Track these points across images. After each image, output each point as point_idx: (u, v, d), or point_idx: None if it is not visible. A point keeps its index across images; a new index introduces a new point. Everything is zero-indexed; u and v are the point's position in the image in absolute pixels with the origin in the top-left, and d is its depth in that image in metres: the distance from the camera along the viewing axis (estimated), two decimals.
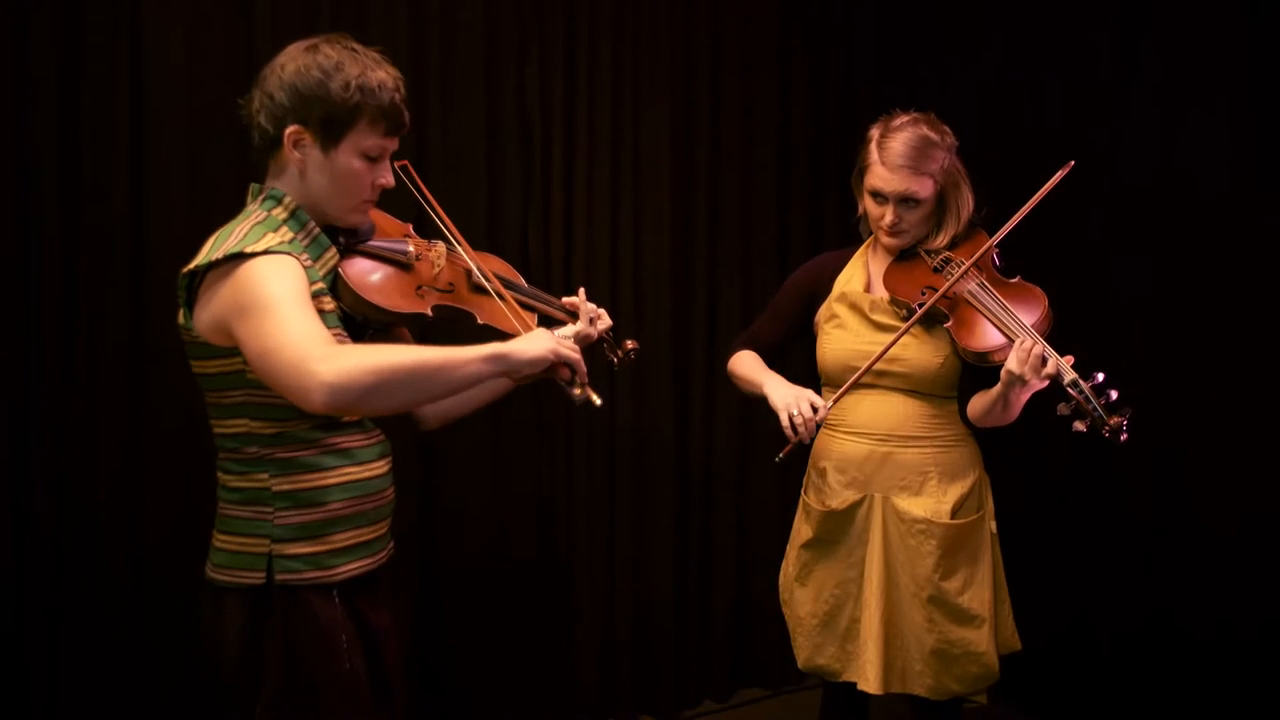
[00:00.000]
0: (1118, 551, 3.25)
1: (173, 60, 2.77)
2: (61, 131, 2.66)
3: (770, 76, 3.72)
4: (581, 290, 2.21)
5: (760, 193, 3.73)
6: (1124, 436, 2.05)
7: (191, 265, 1.72)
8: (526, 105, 3.28)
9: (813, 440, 2.35)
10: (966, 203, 2.44)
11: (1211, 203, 3.03)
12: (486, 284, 1.98)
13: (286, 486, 1.74)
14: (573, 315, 2.18)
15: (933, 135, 2.38)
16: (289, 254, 1.70)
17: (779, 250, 3.76)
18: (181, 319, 1.74)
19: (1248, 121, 2.95)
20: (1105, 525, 3.28)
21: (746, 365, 2.56)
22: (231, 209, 2.78)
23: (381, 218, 2.01)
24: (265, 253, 1.67)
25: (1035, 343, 2.15)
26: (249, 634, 1.73)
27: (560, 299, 2.22)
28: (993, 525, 2.45)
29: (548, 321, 2.14)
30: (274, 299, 1.62)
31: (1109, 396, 2.06)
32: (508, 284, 2.08)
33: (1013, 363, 2.15)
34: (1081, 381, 2.09)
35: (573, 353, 1.78)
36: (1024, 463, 3.38)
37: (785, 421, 2.30)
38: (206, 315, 1.70)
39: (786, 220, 3.79)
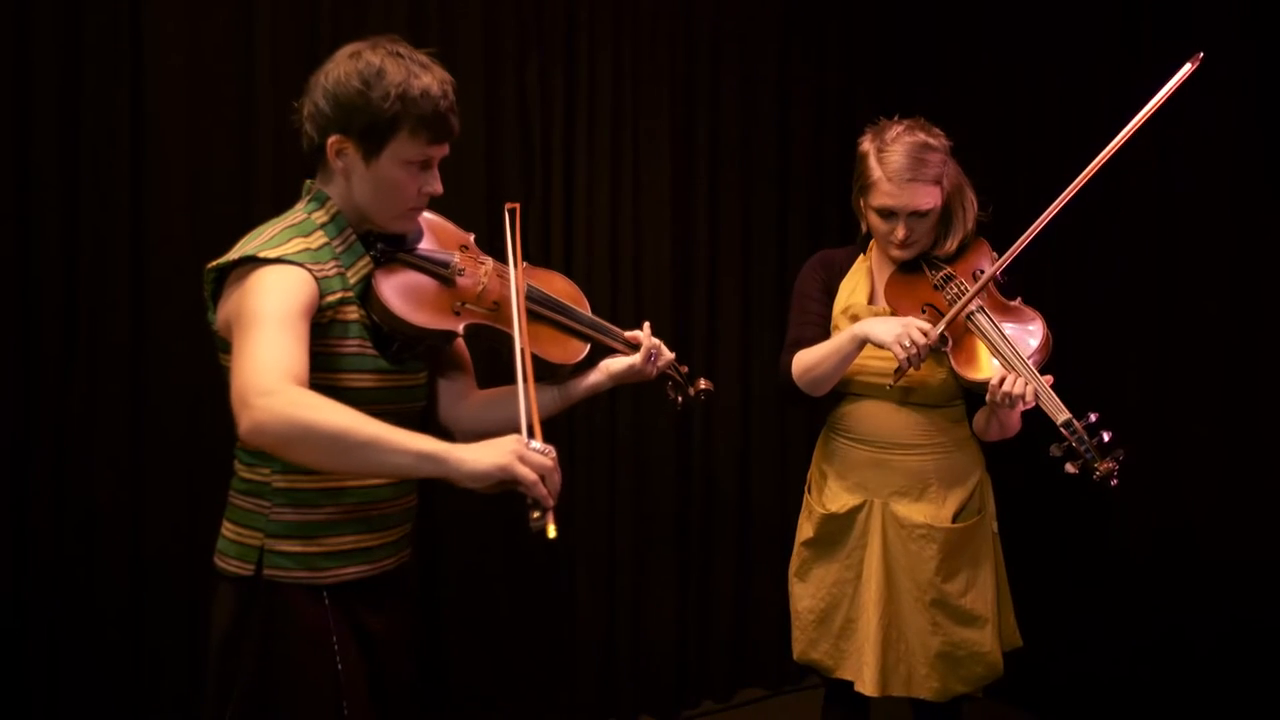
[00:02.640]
0: (1119, 551, 3.25)
1: (173, 60, 2.77)
2: (61, 131, 2.66)
3: (770, 76, 3.72)
4: (647, 325, 2.09)
5: (760, 193, 3.73)
6: (1114, 483, 2.03)
7: (216, 263, 1.72)
8: (526, 105, 3.29)
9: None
10: (972, 204, 2.42)
11: (1212, 203, 3.03)
12: (514, 314, 1.83)
13: (285, 484, 1.74)
14: (634, 348, 2.06)
15: (930, 140, 2.34)
16: (301, 265, 1.68)
17: (779, 250, 3.76)
18: (208, 313, 1.75)
19: (1248, 121, 2.95)
20: (1106, 525, 3.28)
21: (814, 349, 2.39)
22: (231, 209, 2.81)
23: (440, 226, 1.95)
24: (279, 260, 1.66)
25: (1023, 379, 2.13)
26: (236, 624, 1.74)
27: (625, 332, 2.08)
28: (994, 526, 2.45)
29: (604, 352, 2.05)
30: (259, 315, 1.60)
31: (1101, 438, 2.03)
32: (565, 310, 2.00)
33: (997, 395, 2.13)
34: (1075, 422, 2.05)
35: (530, 473, 1.55)
36: (1025, 462, 3.37)
37: (900, 354, 2.20)
38: (222, 313, 1.71)
39: (786, 220, 3.79)
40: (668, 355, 2.10)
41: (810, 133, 3.81)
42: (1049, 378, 2.15)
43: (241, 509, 1.78)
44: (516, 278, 1.87)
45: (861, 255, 2.53)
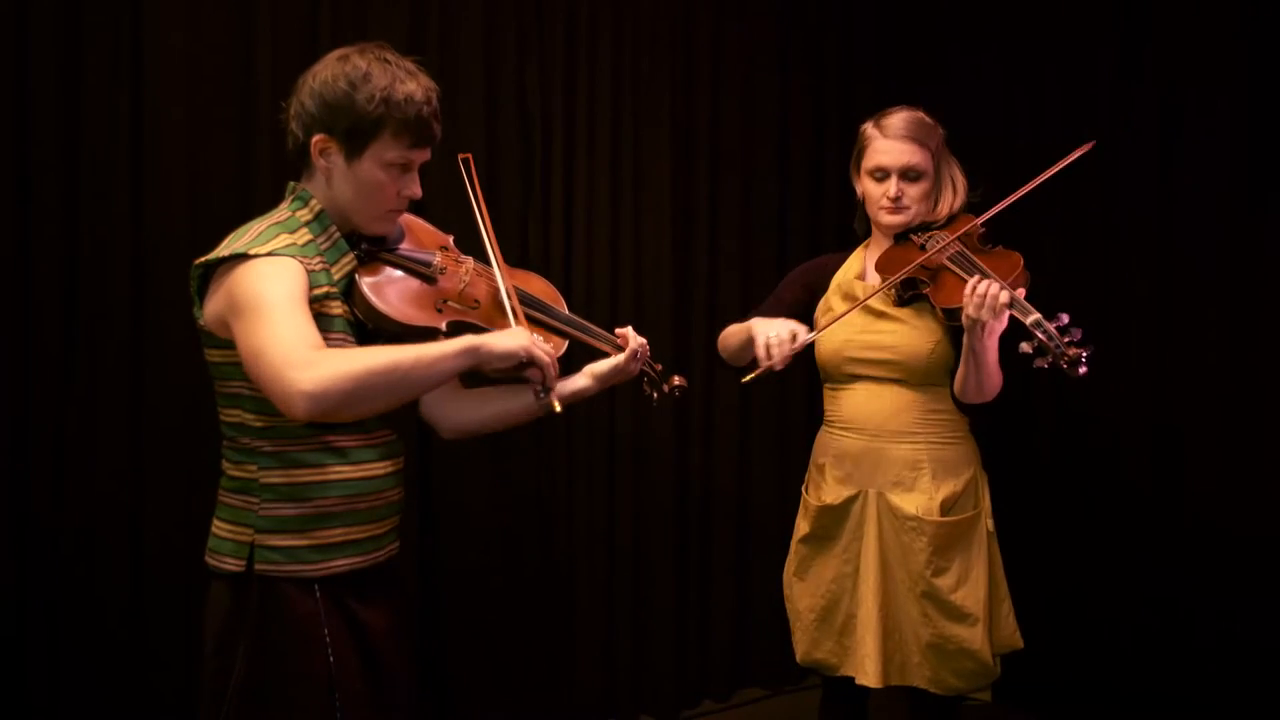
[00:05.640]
0: (1119, 551, 3.25)
1: (173, 60, 2.77)
2: (61, 131, 2.66)
3: (770, 76, 3.72)
4: (629, 327, 2.12)
5: (760, 192, 3.73)
6: (1083, 369, 2.03)
7: (204, 259, 1.75)
8: (526, 105, 3.29)
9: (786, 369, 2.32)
10: (962, 184, 2.50)
11: (1211, 203, 3.03)
12: (506, 305, 1.92)
13: (273, 479, 1.76)
14: (617, 346, 2.09)
15: (926, 118, 2.47)
16: (292, 257, 1.72)
17: (778, 249, 3.76)
18: (194, 308, 1.79)
19: (1247, 122, 2.95)
20: (1106, 524, 3.28)
21: (733, 327, 2.53)
22: (231, 209, 2.81)
23: (420, 227, 1.99)
24: (269, 254, 1.70)
25: (991, 283, 2.16)
26: (229, 621, 1.77)
27: (611, 331, 2.12)
28: (989, 524, 2.45)
29: (587, 351, 2.09)
30: (266, 301, 1.65)
31: (1073, 335, 2.06)
32: (544, 308, 2.03)
33: (970, 306, 2.16)
34: (1045, 322, 2.08)
35: (545, 356, 1.80)
36: (1024, 462, 3.38)
37: (760, 344, 2.27)
38: (211, 308, 1.74)
39: (786, 220, 3.79)
40: (646, 351, 2.14)
41: (810, 133, 3.81)
42: (1021, 290, 2.18)
43: (231, 506, 1.80)
44: (485, 224, 1.98)
45: (859, 248, 2.59)
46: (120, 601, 2.75)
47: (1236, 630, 2.97)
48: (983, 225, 2.41)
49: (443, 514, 3.19)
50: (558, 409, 1.83)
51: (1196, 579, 3.06)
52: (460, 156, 2.02)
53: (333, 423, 1.77)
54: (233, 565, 1.77)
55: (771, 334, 2.26)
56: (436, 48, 3.11)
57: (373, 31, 2.87)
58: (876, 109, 2.53)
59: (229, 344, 1.73)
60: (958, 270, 2.30)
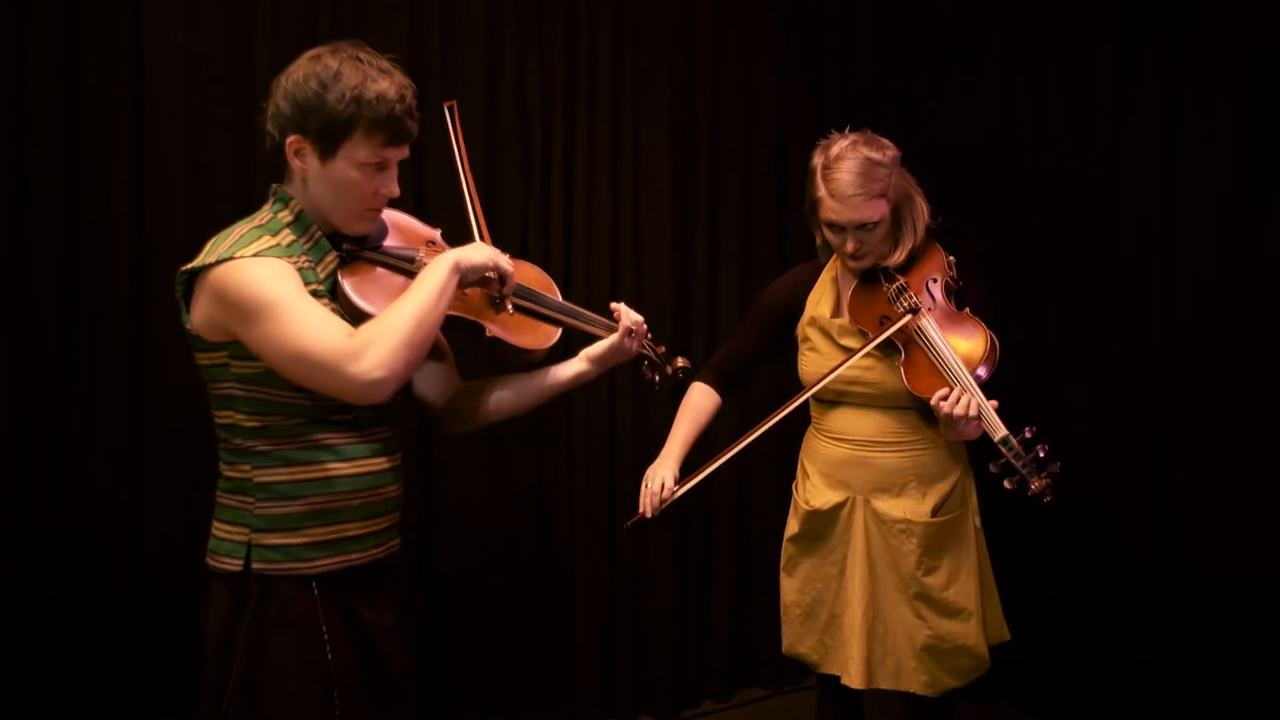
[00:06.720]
0: (1112, 546, 3.26)
1: (173, 59, 2.77)
2: (61, 131, 2.66)
3: (770, 76, 3.72)
4: (622, 304, 2.13)
5: (760, 191, 3.73)
6: (1048, 499, 2.09)
7: (188, 266, 1.76)
8: (526, 103, 3.29)
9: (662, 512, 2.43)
10: (921, 213, 2.43)
11: (1211, 203, 3.03)
12: (474, 224, 1.97)
13: (266, 479, 1.77)
14: (613, 328, 2.09)
15: (874, 155, 2.36)
16: (277, 257, 1.73)
17: (778, 249, 3.76)
18: (181, 314, 1.80)
19: (1247, 122, 2.95)
20: (1102, 522, 3.28)
21: (680, 412, 2.59)
22: (231, 209, 2.79)
23: (405, 224, 1.99)
24: (254, 256, 1.71)
25: (966, 395, 2.18)
26: (229, 620, 1.78)
27: (604, 313, 2.11)
28: (977, 521, 2.47)
29: (583, 338, 2.09)
30: (278, 300, 1.66)
31: (1037, 453, 2.10)
32: (534, 296, 2.03)
33: (940, 414, 2.21)
34: (1012, 439, 2.12)
35: (508, 267, 1.90)
36: None
37: (641, 499, 2.41)
38: (200, 313, 1.75)
39: (786, 219, 3.79)
40: (645, 330, 2.14)
41: (810, 133, 3.79)
42: (994, 402, 2.20)
43: (228, 506, 1.81)
44: (465, 170, 2.05)
45: (828, 265, 2.57)
46: (120, 601, 2.76)
47: (1231, 626, 2.97)
48: (952, 270, 2.40)
49: (442, 512, 3.19)
50: (510, 311, 1.92)
51: (1191, 576, 3.06)
52: (445, 104, 2.04)
53: (328, 419, 1.77)
54: (231, 565, 1.77)
55: (647, 486, 2.42)
56: (437, 48, 3.11)
57: (372, 31, 2.88)
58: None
59: (218, 346, 1.75)
60: (925, 348, 2.28)
